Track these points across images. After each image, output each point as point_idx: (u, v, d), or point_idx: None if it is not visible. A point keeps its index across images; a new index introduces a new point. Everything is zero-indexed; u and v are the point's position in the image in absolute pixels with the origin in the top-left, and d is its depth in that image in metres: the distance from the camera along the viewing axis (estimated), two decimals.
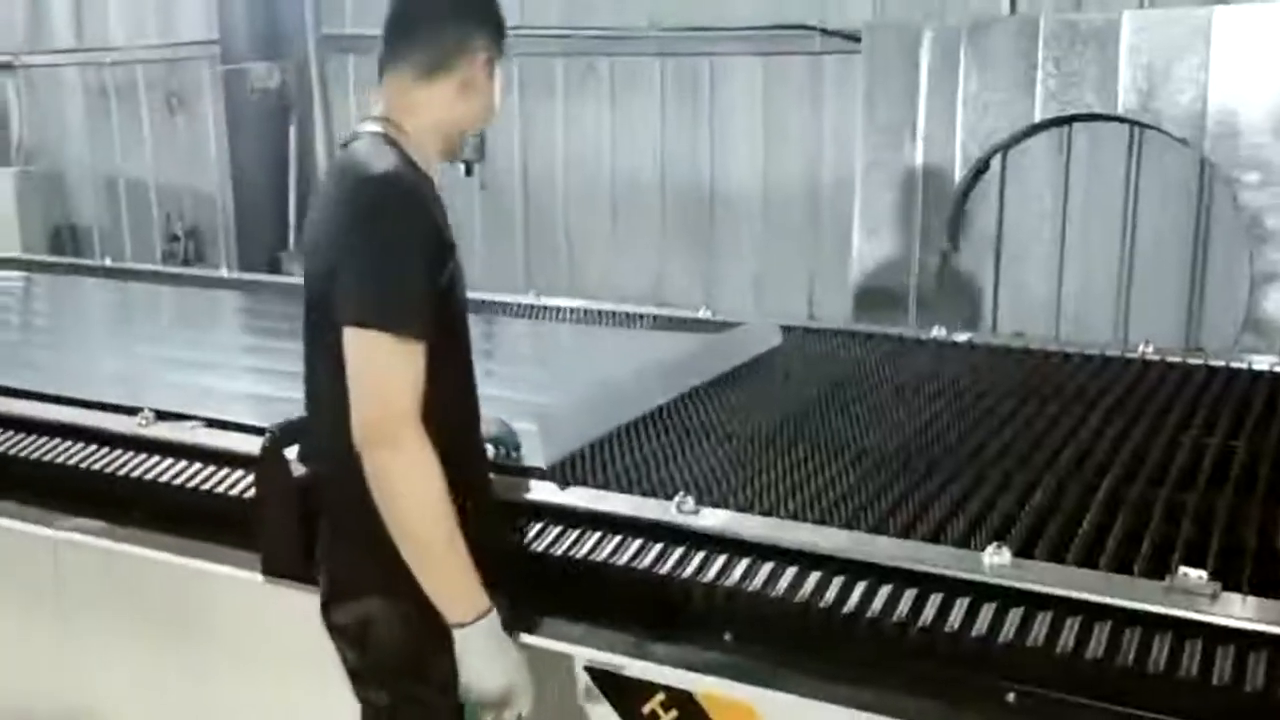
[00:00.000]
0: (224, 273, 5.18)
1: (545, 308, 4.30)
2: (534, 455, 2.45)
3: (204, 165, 6.64)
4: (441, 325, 1.84)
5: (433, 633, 1.85)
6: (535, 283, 5.29)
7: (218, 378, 3.41)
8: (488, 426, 2.35)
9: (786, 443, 2.66)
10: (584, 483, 2.40)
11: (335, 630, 1.98)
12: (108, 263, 5.44)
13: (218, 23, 6.41)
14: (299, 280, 5.32)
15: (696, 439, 2.70)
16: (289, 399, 3.03)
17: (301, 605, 2.38)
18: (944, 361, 3.38)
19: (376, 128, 1.95)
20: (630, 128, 5.64)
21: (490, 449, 2.39)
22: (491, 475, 2.22)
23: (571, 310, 4.25)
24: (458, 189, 5.97)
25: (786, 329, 3.65)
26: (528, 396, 3.06)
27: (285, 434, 2.38)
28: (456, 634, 1.84)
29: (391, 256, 1.78)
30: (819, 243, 5.29)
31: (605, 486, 2.38)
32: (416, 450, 1.77)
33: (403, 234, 1.80)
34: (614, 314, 4.17)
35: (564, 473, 2.43)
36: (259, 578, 2.40)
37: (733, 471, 2.47)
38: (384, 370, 1.77)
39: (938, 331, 3.62)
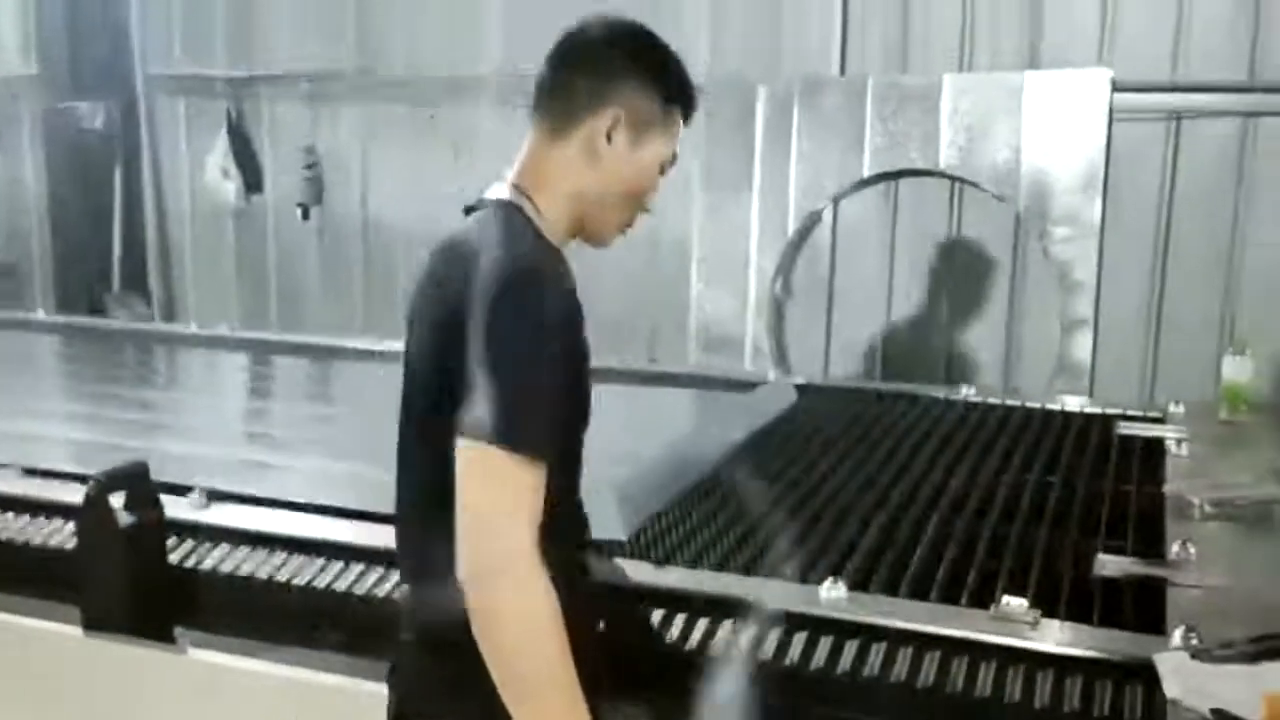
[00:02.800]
0: (40, 315, 4.94)
1: (388, 353, 4.24)
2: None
3: (21, 204, 6.34)
4: (563, 432, 1.62)
5: None
6: (375, 328, 5.21)
7: (34, 423, 3.24)
8: None
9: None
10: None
11: None
12: None
13: (36, 58, 6.15)
14: (123, 324, 5.10)
15: None
16: (113, 445, 2.93)
17: (124, 659, 2.29)
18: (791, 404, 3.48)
19: (504, 194, 1.68)
20: (473, 174, 5.64)
21: None
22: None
23: None
24: (293, 232, 5.87)
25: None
26: None
27: (110, 481, 2.29)
28: None
29: (523, 365, 1.51)
30: (659, 289, 5.37)
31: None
32: (534, 586, 1.48)
33: (536, 338, 1.51)
34: None
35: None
36: (79, 632, 2.30)
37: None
38: (506, 495, 1.48)
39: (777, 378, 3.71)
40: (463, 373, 1.51)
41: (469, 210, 1.73)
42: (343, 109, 5.83)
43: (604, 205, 1.71)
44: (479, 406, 1.49)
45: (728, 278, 4.89)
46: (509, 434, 1.48)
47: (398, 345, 4.25)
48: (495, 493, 1.49)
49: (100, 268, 6.05)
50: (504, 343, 1.51)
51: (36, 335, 4.61)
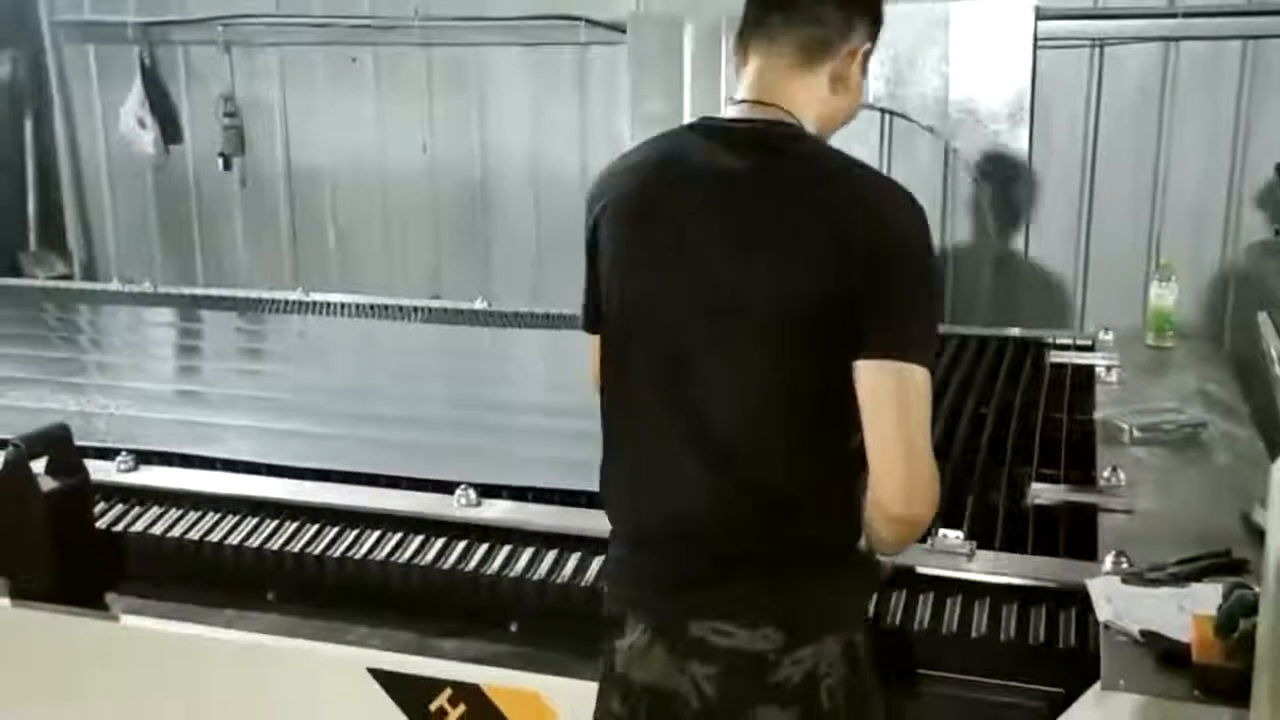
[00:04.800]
0: None
1: (317, 304, 4.18)
2: None
3: None
4: None
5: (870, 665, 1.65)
6: (303, 280, 5.11)
7: None
8: None
9: None
10: None
11: (771, 690, 1.57)
12: None
13: None
14: (42, 284, 4.93)
15: None
16: (37, 409, 2.85)
17: (55, 629, 2.24)
18: None
19: (777, 116, 1.63)
20: (397, 120, 5.52)
21: None
22: None
23: (344, 306, 4.16)
24: (215, 183, 5.72)
25: None
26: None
27: (30, 445, 2.23)
28: None
29: (933, 282, 1.59)
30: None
31: None
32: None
33: (932, 255, 1.60)
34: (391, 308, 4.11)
35: None
36: (6, 602, 2.25)
37: None
38: (928, 413, 1.55)
39: None
40: (865, 295, 1.50)
41: (707, 131, 1.66)
42: (261, 54, 5.66)
43: (834, 129, 1.72)
44: (918, 332, 1.53)
45: None
46: (928, 353, 1.54)
47: (328, 296, 4.22)
48: (924, 412, 1.53)
49: (15, 225, 5.85)
50: (922, 262, 1.56)
51: None
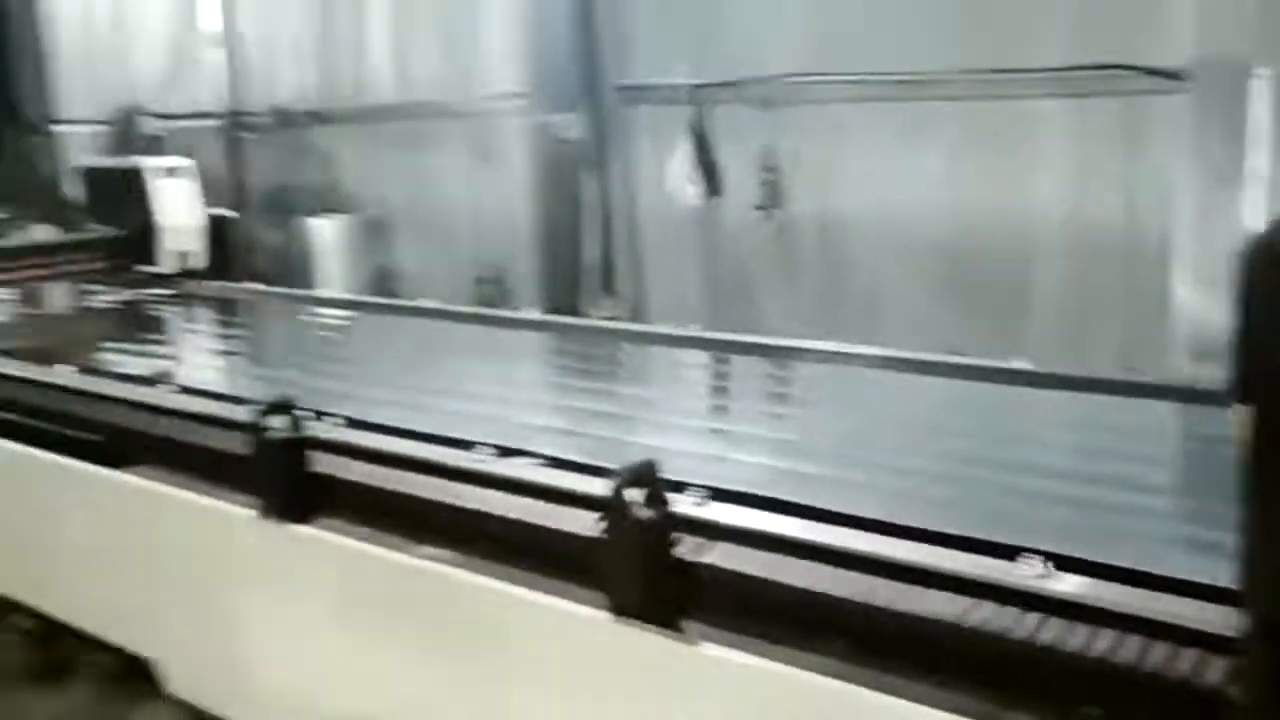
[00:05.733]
0: (531, 314, 5.40)
1: (846, 354, 4.26)
2: None
3: (511, 212, 6.97)
4: None
5: None
6: (833, 330, 5.25)
7: (541, 415, 3.55)
8: None
9: None
10: None
11: None
12: (422, 303, 5.78)
13: (525, 76, 6.74)
14: (601, 323, 5.43)
15: None
16: (613, 439, 3.14)
17: (641, 646, 2.44)
18: None
19: None
20: (930, 173, 5.54)
21: None
22: None
23: (872, 357, 4.20)
24: (752, 234, 6.05)
25: None
26: None
27: (632, 477, 2.46)
28: None
29: None
30: (1131, 293, 5.01)
31: None
32: None
33: None
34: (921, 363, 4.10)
35: None
36: (600, 615, 2.48)
37: None
38: None
39: None
40: None
41: None
42: (798, 110, 5.92)
43: None
44: None
45: (1220, 281, 4.46)
46: None
47: (856, 348, 4.28)
48: None
49: (576, 270, 6.53)
50: None
51: (529, 333, 5.06)
